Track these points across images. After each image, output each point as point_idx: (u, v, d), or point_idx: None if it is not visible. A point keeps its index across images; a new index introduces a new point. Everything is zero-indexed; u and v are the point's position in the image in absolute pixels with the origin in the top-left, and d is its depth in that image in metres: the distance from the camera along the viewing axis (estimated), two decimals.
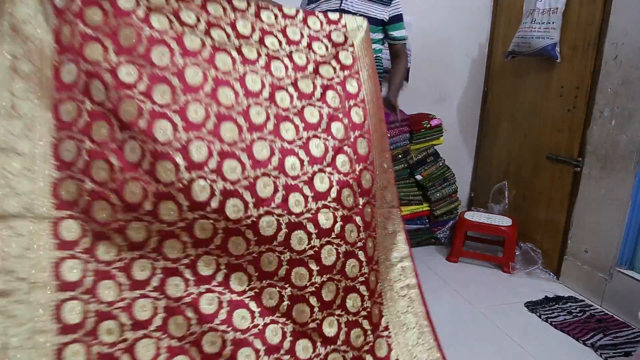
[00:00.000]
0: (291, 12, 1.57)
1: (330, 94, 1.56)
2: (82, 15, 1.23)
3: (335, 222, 1.47)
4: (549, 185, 2.85)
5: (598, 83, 2.48)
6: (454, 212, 3.15)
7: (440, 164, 3.08)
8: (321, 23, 1.61)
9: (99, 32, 1.24)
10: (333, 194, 1.48)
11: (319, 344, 1.49)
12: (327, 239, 1.46)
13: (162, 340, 1.30)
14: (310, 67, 1.56)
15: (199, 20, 1.39)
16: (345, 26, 1.65)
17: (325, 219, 1.45)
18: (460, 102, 3.50)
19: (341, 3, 2.18)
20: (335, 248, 1.47)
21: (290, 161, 1.44)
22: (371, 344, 1.56)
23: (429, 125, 2.98)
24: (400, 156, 2.96)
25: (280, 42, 1.52)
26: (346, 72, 1.62)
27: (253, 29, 1.49)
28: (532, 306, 2.43)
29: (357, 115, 1.61)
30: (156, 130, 1.24)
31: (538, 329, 2.25)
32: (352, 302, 1.52)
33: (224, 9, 1.44)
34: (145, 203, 1.25)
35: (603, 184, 2.46)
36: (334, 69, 1.60)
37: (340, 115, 1.56)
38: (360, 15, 2.08)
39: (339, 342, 1.51)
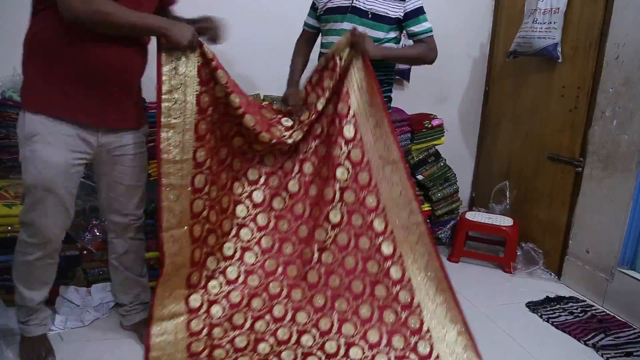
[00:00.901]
0: None
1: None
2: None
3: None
4: (550, 186, 2.84)
5: (599, 83, 2.47)
6: (455, 212, 3.15)
7: (442, 164, 3.07)
8: None
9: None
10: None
11: None
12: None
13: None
14: None
15: None
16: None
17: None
18: (462, 102, 3.50)
19: (352, 1, 2.11)
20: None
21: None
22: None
23: (430, 125, 2.98)
24: None
25: None
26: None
27: None
28: (533, 306, 2.43)
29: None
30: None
31: (539, 329, 2.25)
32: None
33: None
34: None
35: (604, 184, 2.45)
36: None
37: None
38: (372, 13, 2.08)
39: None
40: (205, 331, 1.93)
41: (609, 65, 2.42)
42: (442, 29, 3.19)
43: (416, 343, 1.86)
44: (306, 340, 1.91)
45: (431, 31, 2.16)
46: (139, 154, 1.87)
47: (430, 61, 2.19)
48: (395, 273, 1.93)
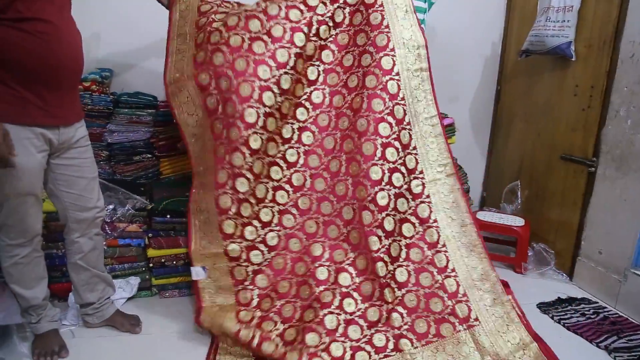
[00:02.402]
0: None
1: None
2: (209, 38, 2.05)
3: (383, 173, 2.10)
4: (562, 186, 2.82)
5: (614, 82, 2.44)
6: None
7: None
8: None
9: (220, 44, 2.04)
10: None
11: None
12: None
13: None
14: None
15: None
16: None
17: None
18: (473, 101, 3.48)
19: None
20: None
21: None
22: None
23: None
24: None
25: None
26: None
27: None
28: (544, 307, 2.41)
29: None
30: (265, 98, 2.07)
31: (550, 330, 2.23)
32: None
33: None
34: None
35: (618, 185, 2.42)
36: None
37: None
38: None
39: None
40: (254, 302, 2.02)
41: (624, 63, 2.38)
42: (453, 27, 3.20)
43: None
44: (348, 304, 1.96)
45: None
46: (89, 145, 1.92)
47: None
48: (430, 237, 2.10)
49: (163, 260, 2.37)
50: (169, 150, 2.55)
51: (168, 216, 2.36)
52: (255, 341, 1.82)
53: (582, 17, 2.60)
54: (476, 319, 1.98)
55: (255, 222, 2.08)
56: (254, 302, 2.01)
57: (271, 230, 2.10)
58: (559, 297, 2.51)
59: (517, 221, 2.91)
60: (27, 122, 1.63)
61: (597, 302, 2.49)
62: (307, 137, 2.18)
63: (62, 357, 1.86)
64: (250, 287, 2.04)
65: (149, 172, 2.56)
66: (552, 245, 2.87)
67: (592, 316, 2.33)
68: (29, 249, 1.77)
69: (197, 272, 2.11)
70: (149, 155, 2.53)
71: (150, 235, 2.37)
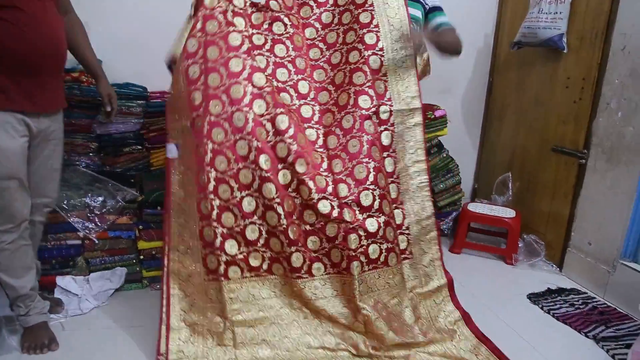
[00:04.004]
0: None
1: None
2: (204, 28, 1.94)
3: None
4: (553, 177, 2.83)
5: (605, 74, 2.45)
6: (457, 203, 3.15)
7: (444, 155, 3.06)
8: None
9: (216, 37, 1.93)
10: None
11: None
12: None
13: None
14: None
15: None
16: None
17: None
18: (465, 93, 3.48)
19: None
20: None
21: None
22: None
23: (433, 116, 2.96)
24: None
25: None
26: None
27: None
28: (534, 298, 2.43)
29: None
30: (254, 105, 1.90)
31: (540, 320, 2.25)
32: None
33: None
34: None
35: (608, 176, 2.44)
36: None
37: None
38: None
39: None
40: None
41: (615, 55, 2.39)
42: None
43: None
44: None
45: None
46: (62, 138, 1.95)
47: (459, 50, 2.23)
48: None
49: (154, 252, 2.36)
50: (160, 142, 2.53)
51: (159, 208, 2.35)
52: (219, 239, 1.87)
53: (575, 9, 2.60)
54: (410, 253, 2.11)
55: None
56: (214, 214, 1.89)
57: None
58: (548, 288, 2.54)
59: (508, 213, 2.93)
60: (9, 107, 1.65)
61: (586, 293, 2.51)
62: (285, 97, 2.09)
63: (52, 350, 1.85)
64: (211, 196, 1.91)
65: (139, 163, 2.53)
66: (543, 236, 2.89)
67: (581, 306, 2.36)
68: (16, 234, 1.76)
69: (171, 149, 2.06)
70: (139, 147, 2.51)
71: (140, 227, 2.35)
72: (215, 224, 1.86)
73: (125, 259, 2.37)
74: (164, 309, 1.92)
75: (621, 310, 2.33)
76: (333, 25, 2.19)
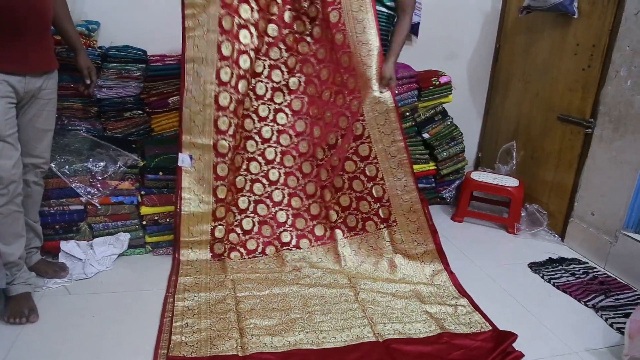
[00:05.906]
0: None
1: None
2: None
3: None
4: (558, 147, 2.80)
5: (616, 40, 2.38)
6: (460, 171, 3.13)
7: (448, 123, 3.02)
8: None
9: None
10: None
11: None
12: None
13: None
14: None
15: None
16: None
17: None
18: (471, 59, 3.41)
19: None
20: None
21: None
22: None
23: (437, 83, 2.91)
24: (407, 114, 2.91)
25: None
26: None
27: None
28: (535, 267, 2.45)
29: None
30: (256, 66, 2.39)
31: (540, 289, 2.27)
32: None
33: None
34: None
35: (614, 146, 2.41)
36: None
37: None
38: None
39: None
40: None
41: (628, 21, 2.32)
42: None
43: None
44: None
45: None
46: (53, 99, 1.93)
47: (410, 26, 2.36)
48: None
49: (156, 218, 2.36)
50: (161, 107, 2.50)
51: (160, 173, 2.34)
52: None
53: None
54: (394, 221, 2.33)
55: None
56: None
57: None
58: (550, 257, 2.55)
59: (512, 182, 2.91)
60: None
61: (587, 263, 2.52)
62: (274, 53, 2.41)
63: (32, 322, 1.83)
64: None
65: (140, 128, 2.51)
66: (546, 206, 2.88)
67: (582, 276, 2.37)
68: (6, 198, 1.74)
69: (184, 159, 2.21)
70: (140, 112, 2.47)
71: (143, 192, 2.35)
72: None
73: (128, 225, 2.37)
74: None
75: (621, 280, 2.34)
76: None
